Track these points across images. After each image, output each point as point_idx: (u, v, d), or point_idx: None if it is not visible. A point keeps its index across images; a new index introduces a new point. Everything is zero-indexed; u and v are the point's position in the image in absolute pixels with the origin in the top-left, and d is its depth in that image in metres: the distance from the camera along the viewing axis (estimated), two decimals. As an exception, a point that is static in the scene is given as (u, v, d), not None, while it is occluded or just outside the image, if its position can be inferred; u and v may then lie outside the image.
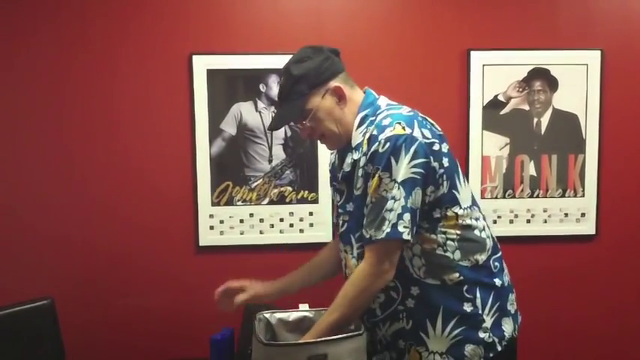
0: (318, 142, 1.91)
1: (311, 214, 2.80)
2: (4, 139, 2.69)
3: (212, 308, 2.78)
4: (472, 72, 2.78)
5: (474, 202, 1.79)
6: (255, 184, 2.78)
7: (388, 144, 1.62)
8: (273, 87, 2.73)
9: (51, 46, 2.67)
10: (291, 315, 1.87)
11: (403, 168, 1.61)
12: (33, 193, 2.71)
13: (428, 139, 1.67)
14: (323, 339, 1.63)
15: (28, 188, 2.71)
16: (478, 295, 1.71)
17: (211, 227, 2.78)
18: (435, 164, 1.67)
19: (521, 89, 2.82)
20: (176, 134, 2.74)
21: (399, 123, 1.65)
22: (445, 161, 1.70)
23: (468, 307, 1.70)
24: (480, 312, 1.71)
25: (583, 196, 2.88)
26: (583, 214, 2.89)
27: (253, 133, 2.75)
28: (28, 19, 2.65)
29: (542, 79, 2.82)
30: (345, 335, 1.65)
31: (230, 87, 2.74)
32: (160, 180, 2.75)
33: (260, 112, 2.74)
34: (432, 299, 1.71)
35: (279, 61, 2.71)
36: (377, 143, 1.63)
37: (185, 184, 2.76)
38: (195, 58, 2.69)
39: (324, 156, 2.73)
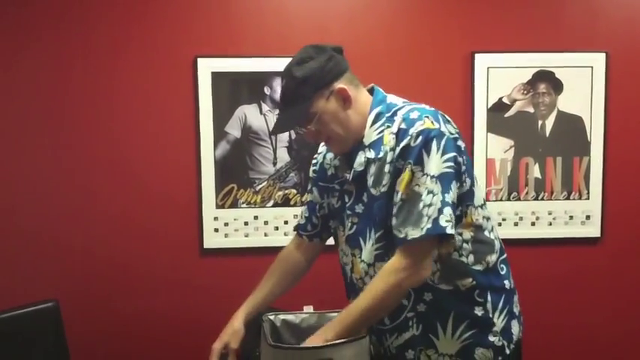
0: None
1: (315, 216, 2.79)
2: (8, 141, 2.70)
3: (217, 310, 2.79)
4: (477, 74, 2.78)
5: (484, 201, 1.75)
6: (260, 186, 2.78)
7: (420, 137, 1.56)
8: (278, 90, 2.73)
9: (55, 50, 2.67)
10: (296, 317, 1.87)
11: (436, 162, 1.56)
12: (38, 197, 2.72)
13: (452, 134, 1.63)
14: (328, 343, 1.62)
15: (33, 191, 2.72)
16: (489, 299, 1.68)
17: (216, 230, 2.78)
18: (460, 160, 1.62)
19: (525, 92, 2.82)
20: (181, 137, 2.74)
21: (427, 117, 1.60)
22: (465, 158, 1.65)
23: (479, 311, 1.67)
24: (491, 315, 1.68)
25: (588, 198, 2.87)
26: (588, 217, 2.88)
27: (258, 135, 2.75)
28: (31, 23, 2.66)
29: (546, 81, 2.82)
30: (349, 339, 1.65)
31: (235, 90, 2.74)
32: (164, 183, 2.76)
33: (264, 114, 2.75)
34: (443, 304, 1.66)
35: (284, 63, 2.71)
36: (408, 137, 1.57)
37: (190, 187, 2.76)
38: (199, 60, 2.70)
39: (329, 158, 2.73)
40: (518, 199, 2.85)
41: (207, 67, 2.71)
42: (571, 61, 2.82)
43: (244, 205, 2.78)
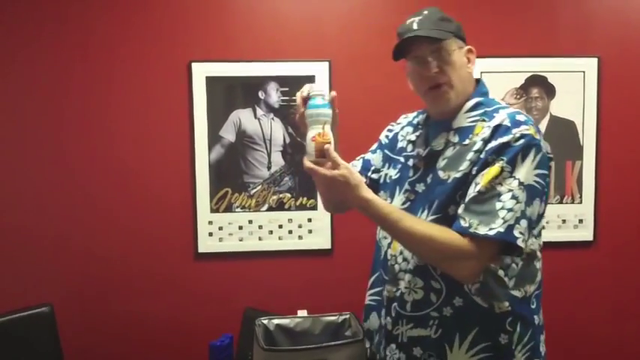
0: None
1: (310, 220, 2.80)
2: (3, 145, 2.70)
3: (211, 314, 2.80)
4: (470, 79, 2.79)
5: (541, 230, 1.69)
6: (254, 190, 2.79)
7: (522, 140, 1.51)
8: (272, 94, 2.74)
9: (50, 54, 2.68)
10: (290, 321, 1.87)
11: (528, 171, 1.52)
12: (32, 201, 2.72)
13: (549, 153, 1.60)
14: (323, 345, 1.63)
15: (27, 195, 2.71)
16: (518, 329, 1.60)
17: (210, 234, 2.78)
18: (548, 180, 1.59)
19: (518, 96, 2.83)
20: (175, 141, 2.75)
21: (532, 126, 1.57)
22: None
23: (503, 339, 1.59)
24: (514, 347, 1.59)
25: (581, 202, 2.89)
26: (581, 221, 2.90)
27: (252, 140, 2.76)
28: (28, 26, 2.66)
29: (539, 86, 2.84)
30: (344, 341, 1.66)
31: (229, 94, 2.75)
32: (159, 187, 2.76)
33: (259, 119, 2.75)
34: (471, 317, 1.58)
35: (278, 68, 2.75)
36: (510, 136, 1.52)
37: (184, 191, 2.76)
38: (194, 65, 2.71)
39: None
40: (512, 203, 2.86)
41: (201, 72, 2.71)
42: (563, 66, 2.83)
43: (239, 210, 2.79)
